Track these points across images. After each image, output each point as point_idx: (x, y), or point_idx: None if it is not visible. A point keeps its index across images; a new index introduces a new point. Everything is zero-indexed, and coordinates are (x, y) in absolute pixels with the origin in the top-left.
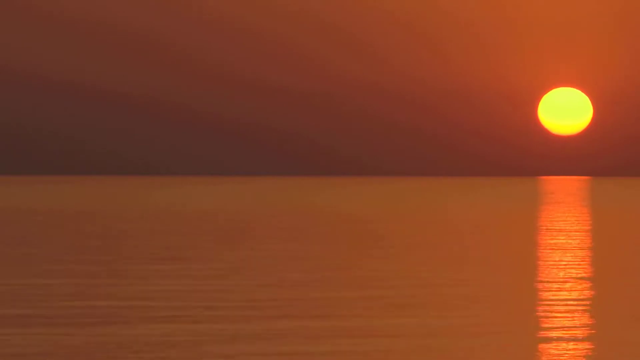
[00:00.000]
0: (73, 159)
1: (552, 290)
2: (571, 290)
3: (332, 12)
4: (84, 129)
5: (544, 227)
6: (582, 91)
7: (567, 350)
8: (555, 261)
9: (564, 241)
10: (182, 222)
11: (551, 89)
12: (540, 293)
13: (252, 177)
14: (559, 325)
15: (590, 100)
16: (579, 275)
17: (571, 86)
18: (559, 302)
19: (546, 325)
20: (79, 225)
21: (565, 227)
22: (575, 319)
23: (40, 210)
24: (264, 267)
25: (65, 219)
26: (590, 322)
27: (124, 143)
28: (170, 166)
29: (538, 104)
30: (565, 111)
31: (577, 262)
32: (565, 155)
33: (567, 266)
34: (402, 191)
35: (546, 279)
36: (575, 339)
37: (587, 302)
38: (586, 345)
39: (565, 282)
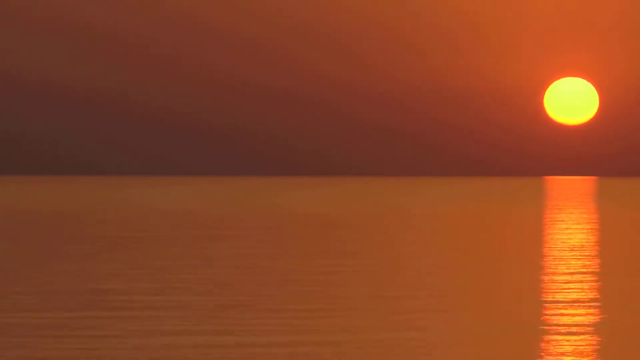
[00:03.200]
0: (38, 158)
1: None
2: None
3: (309, 12)
4: (45, 129)
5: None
6: (588, 80)
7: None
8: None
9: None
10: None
11: (555, 80)
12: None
13: (230, 177)
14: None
15: (597, 90)
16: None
17: (576, 76)
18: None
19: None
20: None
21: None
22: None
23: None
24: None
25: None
26: (594, 319)
27: (90, 143)
28: (137, 166)
29: (543, 96)
30: (571, 102)
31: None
32: (571, 153)
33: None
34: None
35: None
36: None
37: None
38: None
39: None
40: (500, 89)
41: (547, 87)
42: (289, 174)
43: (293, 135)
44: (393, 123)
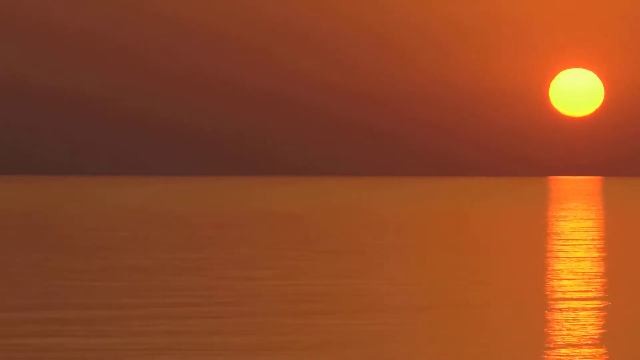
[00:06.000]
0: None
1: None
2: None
3: (290, 13)
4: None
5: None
6: (592, 72)
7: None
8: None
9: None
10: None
11: (558, 73)
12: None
13: (225, 177)
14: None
15: (603, 82)
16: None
17: (580, 67)
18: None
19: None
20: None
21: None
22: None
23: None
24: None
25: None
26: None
27: (50, 142)
28: (110, 166)
29: (548, 90)
30: (576, 94)
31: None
32: (577, 148)
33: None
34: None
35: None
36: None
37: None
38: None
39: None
40: (502, 85)
41: (551, 80)
42: (276, 174)
43: (282, 136)
44: (392, 123)
